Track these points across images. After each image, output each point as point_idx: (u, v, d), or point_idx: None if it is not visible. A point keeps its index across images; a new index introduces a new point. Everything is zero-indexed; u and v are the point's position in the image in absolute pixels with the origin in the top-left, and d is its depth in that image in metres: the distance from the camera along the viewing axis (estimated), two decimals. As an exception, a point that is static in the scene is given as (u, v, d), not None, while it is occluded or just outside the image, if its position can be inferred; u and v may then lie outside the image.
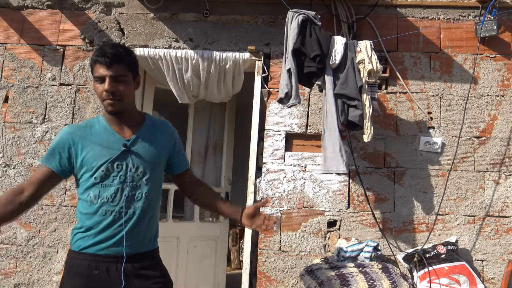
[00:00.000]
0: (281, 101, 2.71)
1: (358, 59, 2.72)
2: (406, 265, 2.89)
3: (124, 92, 1.65)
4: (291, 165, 3.11)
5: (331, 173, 2.93)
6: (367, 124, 2.68)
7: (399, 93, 3.16)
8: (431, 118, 3.11)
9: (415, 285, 2.76)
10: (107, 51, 1.64)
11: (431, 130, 3.10)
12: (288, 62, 2.65)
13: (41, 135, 3.23)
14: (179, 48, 3.29)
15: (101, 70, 1.63)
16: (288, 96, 2.66)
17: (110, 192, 1.63)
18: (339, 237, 2.98)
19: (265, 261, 3.02)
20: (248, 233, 3.10)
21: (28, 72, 3.32)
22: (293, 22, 2.68)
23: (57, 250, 3.11)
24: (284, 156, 3.13)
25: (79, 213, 1.67)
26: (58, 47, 3.35)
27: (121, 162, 1.66)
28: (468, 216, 2.99)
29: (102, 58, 1.62)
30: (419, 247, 2.86)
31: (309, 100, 3.18)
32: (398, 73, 3.15)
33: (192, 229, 3.66)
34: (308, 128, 3.15)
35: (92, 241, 1.62)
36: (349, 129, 2.86)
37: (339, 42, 2.72)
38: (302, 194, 3.08)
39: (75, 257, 1.64)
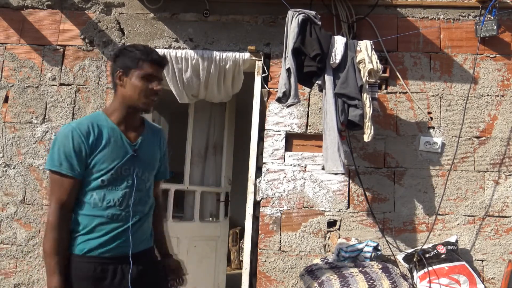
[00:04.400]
0: (279, 100, 2.71)
1: (358, 58, 2.71)
2: (406, 265, 2.89)
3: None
4: (291, 165, 3.11)
5: (332, 173, 2.93)
6: (368, 124, 2.67)
7: (399, 93, 3.16)
8: (431, 118, 3.11)
9: (415, 285, 2.76)
10: (161, 55, 1.72)
11: (431, 130, 3.10)
12: (287, 62, 2.65)
13: (41, 135, 3.23)
14: (179, 48, 3.29)
15: (155, 70, 1.68)
16: (286, 95, 2.65)
17: (117, 195, 1.62)
18: (339, 237, 2.98)
19: (265, 261, 3.02)
20: (248, 233, 3.10)
21: (28, 72, 3.32)
22: (293, 21, 2.68)
23: (57, 250, 3.11)
24: (284, 156, 3.13)
25: (79, 214, 1.61)
26: (58, 47, 3.35)
27: (128, 166, 1.66)
28: (468, 216, 2.99)
29: (160, 60, 1.69)
30: (419, 247, 2.86)
31: (309, 100, 3.18)
32: (398, 73, 3.15)
33: (192, 229, 3.66)
34: (308, 128, 3.15)
35: (96, 244, 1.59)
36: (350, 129, 2.86)
37: (339, 42, 2.72)
38: (302, 194, 3.08)
39: (79, 261, 1.58)
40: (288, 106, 2.83)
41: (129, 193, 1.64)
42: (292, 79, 2.64)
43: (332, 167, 2.65)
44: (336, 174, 2.92)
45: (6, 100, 3.29)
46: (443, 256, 2.76)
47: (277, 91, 2.91)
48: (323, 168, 2.80)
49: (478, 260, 2.94)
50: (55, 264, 1.52)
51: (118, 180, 1.63)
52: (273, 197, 3.08)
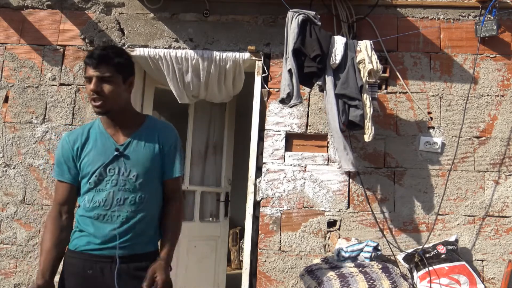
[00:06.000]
0: (282, 101, 2.72)
1: (358, 59, 2.72)
2: (406, 265, 2.89)
3: (110, 93, 1.65)
4: (291, 165, 3.11)
5: (346, 171, 2.99)
6: (368, 124, 2.68)
7: (399, 93, 3.16)
8: (431, 118, 3.11)
9: (415, 285, 2.76)
10: (95, 52, 1.66)
11: (431, 130, 3.10)
12: (288, 62, 2.65)
13: (41, 135, 3.23)
14: (179, 48, 3.29)
15: (89, 71, 1.65)
16: (290, 96, 2.66)
17: (102, 196, 1.66)
18: (339, 237, 2.98)
19: (265, 261, 3.02)
20: (248, 233, 3.10)
21: (28, 72, 3.32)
22: (293, 22, 2.68)
23: (57, 250, 3.11)
24: (284, 156, 3.13)
25: (76, 215, 1.72)
26: (58, 47, 3.35)
27: (113, 167, 1.68)
28: (468, 216, 2.99)
29: (89, 59, 1.65)
30: (419, 247, 2.86)
31: (309, 100, 3.18)
32: (398, 73, 3.15)
33: (192, 229, 3.66)
34: (308, 128, 3.15)
35: (86, 240, 1.65)
36: (350, 129, 2.87)
37: (339, 42, 2.72)
38: (302, 194, 3.08)
39: (71, 256, 1.67)
40: (290, 107, 2.84)
41: (114, 193, 1.66)
42: (294, 80, 2.64)
43: (344, 165, 2.77)
44: (348, 171, 3.01)
45: (6, 100, 3.29)
46: (443, 256, 2.76)
47: (277, 91, 2.92)
48: (339, 167, 3.00)
49: (478, 260, 2.94)
50: (40, 261, 1.63)
51: (103, 181, 1.67)
52: (273, 197, 3.08)
